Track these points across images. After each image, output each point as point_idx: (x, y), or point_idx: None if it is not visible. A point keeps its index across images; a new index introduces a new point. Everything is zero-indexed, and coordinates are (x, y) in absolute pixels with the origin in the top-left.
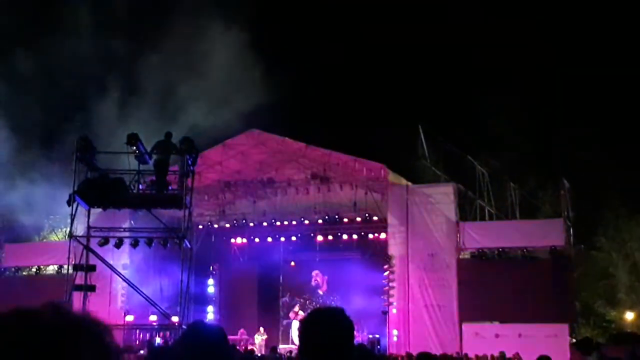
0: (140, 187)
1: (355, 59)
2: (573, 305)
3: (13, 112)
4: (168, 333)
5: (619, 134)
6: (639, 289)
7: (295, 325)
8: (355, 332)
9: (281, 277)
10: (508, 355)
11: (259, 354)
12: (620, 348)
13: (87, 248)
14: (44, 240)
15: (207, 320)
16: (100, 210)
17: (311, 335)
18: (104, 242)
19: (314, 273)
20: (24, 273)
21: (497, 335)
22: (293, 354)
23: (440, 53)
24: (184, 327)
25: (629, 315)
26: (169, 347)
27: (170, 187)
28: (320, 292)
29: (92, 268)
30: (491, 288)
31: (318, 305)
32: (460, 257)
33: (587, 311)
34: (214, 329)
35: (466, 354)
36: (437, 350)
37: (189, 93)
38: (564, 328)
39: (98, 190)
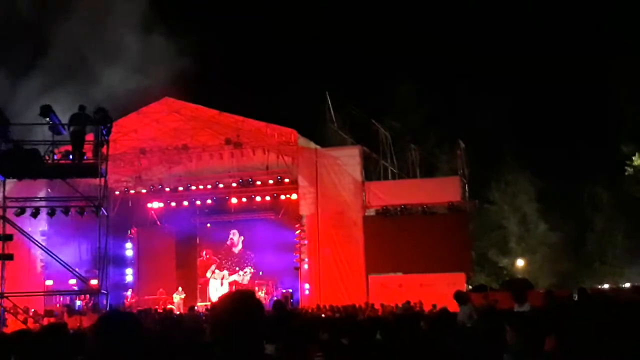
0: (55, 157)
1: (264, 26)
2: (469, 255)
3: None
4: (88, 296)
5: (511, 94)
6: (528, 238)
7: (212, 283)
8: (271, 288)
9: (198, 239)
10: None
11: (178, 312)
12: (508, 293)
13: (4, 218)
14: None
15: (126, 282)
16: (15, 180)
17: (223, 320)
18: (21, 212)
19: (231, 232)
20: None
21: (400, 285)
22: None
23: (343, 19)
24: (103, 291)
25: (520, 263)
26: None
27: (85, 157)
28: (235, 251)
29: (9, 237)
30: (395, 242)
31: (233, 264)
32: (366, 214)
33: (482, 260)
34: (127, 318)
35: (372, 304)
36: (345, 301)
37: (103, 62)
38: (461, 276)
39: (13, 161)
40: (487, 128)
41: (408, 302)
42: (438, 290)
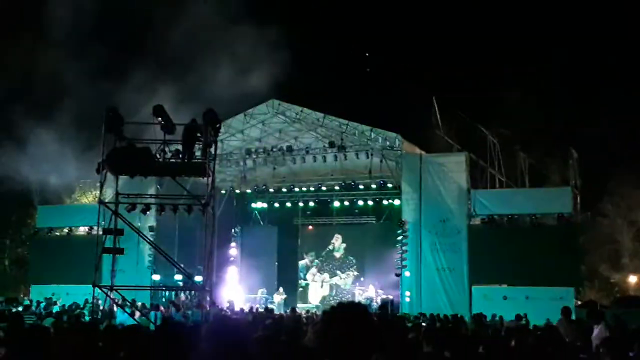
0: (166, 156)
1: (370, 31)
2: (578, 270)
3: (47, 81)
4: (192, 292)
5: (625, 104)
6: None
7: (312, 286)
8: (371, 294)
9: (300, 240)
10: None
11: (278, 312)
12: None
13: (116, 214)
14: (75, 202)
15: (230, 280)
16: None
17: (335, 330)
18: (132, 208)
19: (335, 237)
20: (56, 233)
21: (505, 297)
22: (310, 313)
23: (454, 25)
24: (207, 288)
25: (632, 279)
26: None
27: (194, 156)
28: (337, 255)
29: (121, 232)
30: (500, 253)
31: (334, 267)
32: (471, 223)
33: (592, 275)
34: (235, 326)
35: (475, 315)
36: (447, 311)
37: (211, 63)
38: (569, 291)
39: (125, 159)
40: (600, 137)
41: (517, 316)
42: (544, 304)
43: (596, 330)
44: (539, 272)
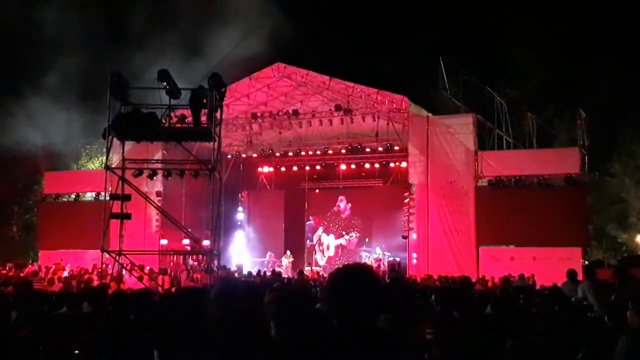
0: (171, 120)
1: None
2: (586, 230)
3: (53, 46)
4: (200, 257)
5: (634, 62)
6: None
7: (319, 248)
8: (378, 256)
9: (306, 204)
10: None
11: (286, 275)
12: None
13: (123, 179)
14: (82, 168)
15: (237, 245)
16: (133, 142)
17: (342, 292)
18: (138, 173)
19: (339, 198)
20: (64, 199)
21: (512, 258)
22: (318, 275)
23: None
24: (215, 252)
25: None
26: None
27: (200, 121)
28: (342, 217)
29: (128, 197)
30: (508, 214)
31: (340, 229)
32: (478, 184)
33: (600, 235)
34: (243, 287)
35: (483, 276)
36: (454, 272)
37: (216, 27)
38: (576, 251)
39: (131, 124)
40: (609, 97)
41: (522, 276)
42: (552, 265)
43: None
44: (546, 233)
